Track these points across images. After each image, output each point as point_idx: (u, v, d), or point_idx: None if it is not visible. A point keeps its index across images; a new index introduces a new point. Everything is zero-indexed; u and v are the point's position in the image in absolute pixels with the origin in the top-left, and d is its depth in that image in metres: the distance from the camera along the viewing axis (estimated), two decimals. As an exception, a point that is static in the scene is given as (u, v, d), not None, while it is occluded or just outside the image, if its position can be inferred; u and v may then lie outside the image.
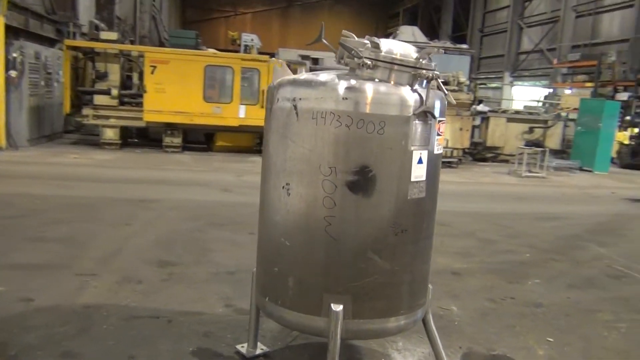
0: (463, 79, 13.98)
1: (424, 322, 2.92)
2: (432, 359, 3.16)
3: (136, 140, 13.51)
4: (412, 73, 2.56)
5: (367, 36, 2.66)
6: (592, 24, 27.87)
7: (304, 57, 17.42)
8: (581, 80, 27.36)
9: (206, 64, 12.14)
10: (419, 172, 2.58)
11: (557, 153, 14.79)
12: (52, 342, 3.09)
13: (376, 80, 2.53)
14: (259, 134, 13.03)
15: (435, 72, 2.60)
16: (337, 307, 2.53)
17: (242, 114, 12.49)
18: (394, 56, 2.54)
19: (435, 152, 2.67)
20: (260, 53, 14.69)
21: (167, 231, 5.61)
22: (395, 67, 2.54)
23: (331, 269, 2.56)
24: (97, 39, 12.67)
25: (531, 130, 14.94)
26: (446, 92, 2.71)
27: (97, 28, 14.10)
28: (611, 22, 27.36)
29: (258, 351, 3.13)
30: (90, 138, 13.09)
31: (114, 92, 11.87)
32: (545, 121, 15.20)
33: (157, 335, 3.28)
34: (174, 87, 11.77)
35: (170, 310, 3.61)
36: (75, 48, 12.22)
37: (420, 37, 16.64)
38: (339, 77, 2.54)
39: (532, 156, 12.64)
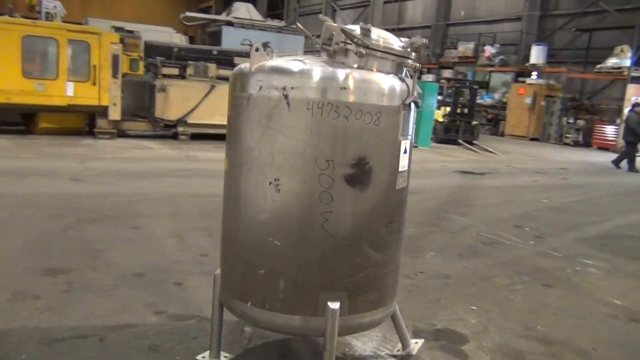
0: (302, 59, 14.22)
1: (392, 307, 2.98)
2: (387, 341, 3.24)
3: None
4: (399, 62, 2.53)
5: (343, 22, 2.56)
6: (398, 10, 30.38)
7: (118, 29, 16.14)
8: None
9: (24, 34, 10.56)
10: (404, 162, 2.59)
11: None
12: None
13: (366, 69, 2.45)
14: (89, 114, 11.85)
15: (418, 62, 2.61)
16: (334, 305, 2.44)
17: (70, 91, 11.20)
18: (391, 45, 2.48)
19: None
20: (64, 22, 13.30)
21: (34, 233, 4.82)
22: (389, 56, 2.48)
23: (327, 266, 2.46)
24: None
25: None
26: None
27: None
28: (415, 10, 30.10)
29: (222, 359, 2.89)
30: None
31: None
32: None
33: (96, 357, 2.83)
34: (-18, 61, 10.06)
35: (95, 327, 3.13)
36: None
37: (256, 15, 16.44)
38: (331, 65, 2.41)
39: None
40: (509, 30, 24.67)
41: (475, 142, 16.98)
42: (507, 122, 22.36)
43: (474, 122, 17.52)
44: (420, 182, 9.20)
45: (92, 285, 3.76)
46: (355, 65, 2.44)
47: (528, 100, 21.52)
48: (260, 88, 2.41)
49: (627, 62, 18.64)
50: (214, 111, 13.11)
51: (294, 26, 2.69)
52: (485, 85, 25.26)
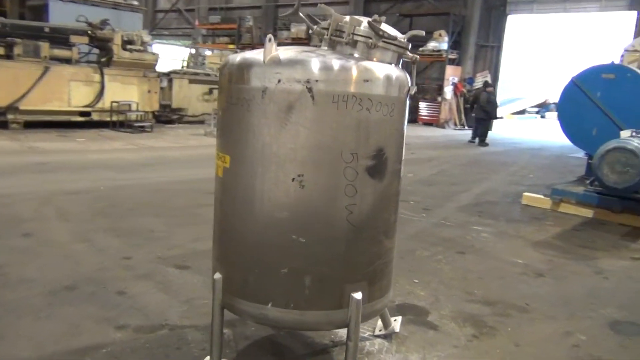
0: (147, 37, 13.39)
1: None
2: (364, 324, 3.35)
3: None
4: (399, 53, 2.60)
5: (362, 16, 2.54)
6: (227, -11, 29.90)
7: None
8: (223, 42, 29.38)
9: None
10: (404, 151, 2.69)
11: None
12: None
13: (375, 60, 2.48)
14: None
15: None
16: (358, 295, 2.48)
17: None
18: (400, 38, 2.53)
19: (403, 129, 2.80)
20: None
21: None
22: (392, 47, 2.53)
23: (351, 258, 2.47)
24: None
25: (211, 91, 15.49)
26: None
27: None
28: (244, -11, 29.85)
29: (225, 366, 2.74)
30: None
31: None
32: (222, 82, 15.94)
33: (83, 389, 2.49)
34: None
35: (56, 355, 2.74)
36: None
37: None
38: (349, 57, 2.39)
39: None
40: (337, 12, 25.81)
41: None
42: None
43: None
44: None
45: (19, 307, 3.24)
46: (356, 56, 2.46)
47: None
48: (279, 81, 2.30)
49: (445, 46, 20.82)
50: (50, 96, 11.83)
51: (297, 15, 2.59)
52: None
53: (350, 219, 2.41)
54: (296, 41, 26.10)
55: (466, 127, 20.87)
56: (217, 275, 2.61)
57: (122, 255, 4.25)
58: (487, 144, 15.27)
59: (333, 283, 2.46)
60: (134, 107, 12.93)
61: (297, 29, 25.78)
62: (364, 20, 2.48)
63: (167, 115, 14.65)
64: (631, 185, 5.50)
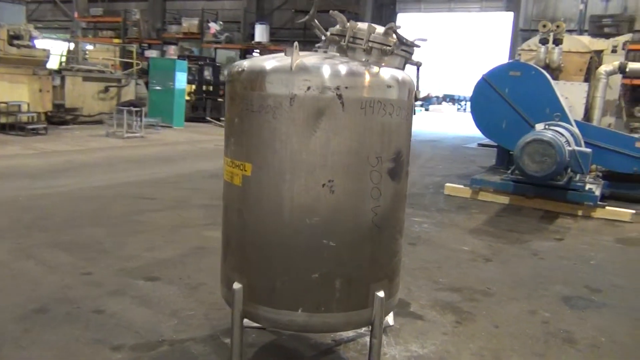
0: (36, 32, 12.34)
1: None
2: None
3: None
4: (407, 58, 2.71)
5: (380, 24, 2.61)
6: (108, -19, 28.25)
7: None
8: (108, 36, 27.75)
9: None
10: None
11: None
12: None
13: (384, 65, 2.56)
14: None
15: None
16: (381, 294, 2.57)
17: None
18: (413, 44, 2.63)
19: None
20: None
21: None
22: (402, 53, 2.63)
23: (376, 259, 2.55)
24: None
25: (107, 89, 14.65)
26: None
27: None
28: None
29: (244, 377, 2.69)
30: None
31: None
32: (119, 80, 15.14)
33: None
34: None
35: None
36: None
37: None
38: (366, 63, 2.45)
39: (123, 116, 12.37)
40: (229, 8, 25.49)
41: (222, 119, 17.38)
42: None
43: (220, 100, 17.86)
44: (210, 164, 9.17)
45: (-8, 336, 2.94)
46: (371, 61, 2.54)
47: (257, 76, 22.77)
48: (309, 88, 2.32)
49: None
50: None
51: (313, 20, 2.59)
52: (212, 61, 25.72)
53: (375, 221, 2.49)
54: (188, 36, 25.39)
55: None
56: (237, 285, 2.56)
57: (80, 271, 3.97)
58: None
59: (360, 284, 2.52)
60: (24, 107, 11.90)
61: (189, 24, 25.06)
62: (376, 27, 2.55)
63: (60, 116, 13.61)
64: (549, 173, 6.11)
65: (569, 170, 6.54)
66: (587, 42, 8.94)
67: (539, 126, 6.62)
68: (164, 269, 4.10)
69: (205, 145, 11.82)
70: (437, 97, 39.22)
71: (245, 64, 2.51)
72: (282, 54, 2.49)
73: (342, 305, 2.50)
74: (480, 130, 8.16)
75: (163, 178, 7.74)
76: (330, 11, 2.58)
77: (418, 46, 2.57)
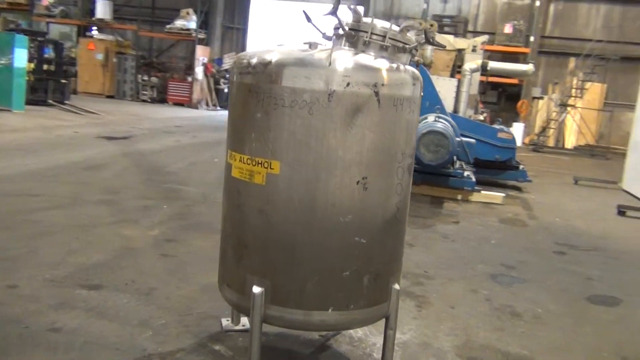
0: None
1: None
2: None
3: None
4: (413, 54, 2.76)
5: (396, 21, 2.60)
6: None
7: None
8: None
9: None
10: (406, 147, 2.90)
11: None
12: None
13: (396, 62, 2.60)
14: None
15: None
16: (397, 286, 2.64)
17: None
18: (440, 44, 2.68)
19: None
20: None
21: None
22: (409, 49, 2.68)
23: (396, 252, 2.61)
24: None
25: None
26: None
27: None
28: None
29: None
30: None
31: None
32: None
33: None
34: None
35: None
36: None
37: None
38: (383, 58, 2.45)
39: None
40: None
41: (67, 102, 15.77)
42: (80, 78, 21.31)
43: (64, 81, 16.14)
44: (80, 154, 8.37)
45: None
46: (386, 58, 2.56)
47: (99, 57, 21.09)
48: (348, 84, 2.28)
49: (193, 25, 20.60)
50: None
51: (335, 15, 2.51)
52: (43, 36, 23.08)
53: (398, 216, 2.55)
54: (14, 7, 22.51)
55: (218, 108, 21.22)
56: (257, 289, 2.43)
57: (5, 283, 3.40)
58: None
59: (384, 278, 2.56)
60: None
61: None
62: (388, 25, 2.57)
63: None
64: (443, 162, 6.65)
65: (456, 158, 7.19)
66: (452, 41, 9.81)
67: (431, 117, 7.14)
68: (101, 275, 3.69)
69: (61, 132, 10.63)
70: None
71: (272, 56, 2.36)
72: (305, 45, 2.41)
73: (369, 301, 2.52)
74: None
75: (37, 171, 6.83)
76: (350, 6, 2.54)
77: (444, 46, 2.64)
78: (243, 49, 22.48)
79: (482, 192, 7.63)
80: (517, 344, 3.28)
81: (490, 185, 8.46)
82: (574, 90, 17.49)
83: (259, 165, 2.38)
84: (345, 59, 2.32)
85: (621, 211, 7.58)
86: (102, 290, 3.46)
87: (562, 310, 3.91)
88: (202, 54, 20.85)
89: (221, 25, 21.82)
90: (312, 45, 2.41)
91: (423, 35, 2.76)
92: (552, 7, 18.86)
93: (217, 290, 3.55)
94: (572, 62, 18.39)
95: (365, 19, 2.54)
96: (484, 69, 9.21)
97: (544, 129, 17.98)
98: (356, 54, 2.41)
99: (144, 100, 21.00)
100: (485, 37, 10.28)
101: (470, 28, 18.75)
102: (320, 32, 2.62)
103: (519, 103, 17.49)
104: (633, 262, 5.32)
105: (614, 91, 18.31)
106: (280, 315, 2.45)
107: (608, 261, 5.24)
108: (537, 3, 18.31)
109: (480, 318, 3.62)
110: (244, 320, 3.17)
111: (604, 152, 16.97)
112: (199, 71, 20.48)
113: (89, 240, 4.42)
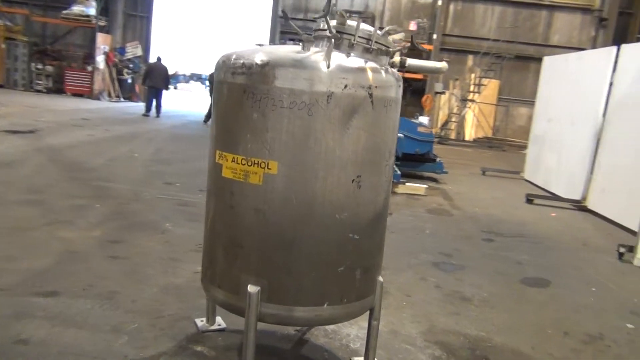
0: None
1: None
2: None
3: None
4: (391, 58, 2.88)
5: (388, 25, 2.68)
6: None
7: None
8: None
9: None
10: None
11: None
12: None
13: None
14: None
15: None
16: (381, 279, 2.77)
17: None
18: (425, 50, 2.79)
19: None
20: None
21: None
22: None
23: (381, 246, 2.73)
24: None
25: None
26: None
27: None
28: None
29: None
30: None
31: None
32: None
33: None
34: None
35: None
36: None
37: None
38: (380, 63, 2.58)
39: None
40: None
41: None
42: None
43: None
44: None
45: None
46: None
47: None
48: (346, 86, 2.35)
49: (92, 11, 19.44)
50: None
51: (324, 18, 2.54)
52: None
53: (383, 211, 2.67)
54: None
55: (122, 99, 20.27)
56: (253, 289, 2.45)
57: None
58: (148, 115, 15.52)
59: (373, 272, 2.68)
60: None
61: None
62: (372, 28, 2.67)
63: None
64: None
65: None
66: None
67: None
68: (52, 281, 3.49)
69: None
70: (184, 76, 38.64)
71: (267, 56, 2.37)
72: (294, 44, 2.46)
73: (359, 294, 2.62)
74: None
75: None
76: (338, 10, 2.60)
77: (428, 51, 2.77)
78: (147, 38, 21.60)
79: (407, 184, 7.99)
80: (473, 326, 3.54)
81: (411, 177, 8.88)
82: (472, 86, 18.67)
83: (255, 165, 2.39)
84: (341, 61, 2.39)
85: (529, 199, 8.27)
86: (60, 297, 3.28)
87: (504, 293, 4.25)
88: (103, 42, 19.77)
89: (123, 12, 20.77)
90: (305, 46, 2.46)
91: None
92: (451, 7, 19.93)
93: (181, 290, 3.53)
94: (470, 60, 19.61)
95: (349, 22, 2.62)
96: (402, 66, 9.54)
97: (446, 122, 19.05)
98: (348, 56, 2.49)
99: (38, 90, 19.58)
100: (402, 35, 10.63)
101: (376, 24, 19.31)
102: (299, 31, 2.66)
103: (424, 98, 18.36)
104: (553, 247, 5.86)
105: (508, 87, 19.76)
106: (276, 313, 2.48)
107: (532, 246, 5.74)
108: (439, 2, 19.25)
109: (436, 304, 3.85)
110: (219, 320, 3.16)
111: (501, 144, 18.32)
112: (100, 60, 19.41)
113: (23, 244, 4.14)
